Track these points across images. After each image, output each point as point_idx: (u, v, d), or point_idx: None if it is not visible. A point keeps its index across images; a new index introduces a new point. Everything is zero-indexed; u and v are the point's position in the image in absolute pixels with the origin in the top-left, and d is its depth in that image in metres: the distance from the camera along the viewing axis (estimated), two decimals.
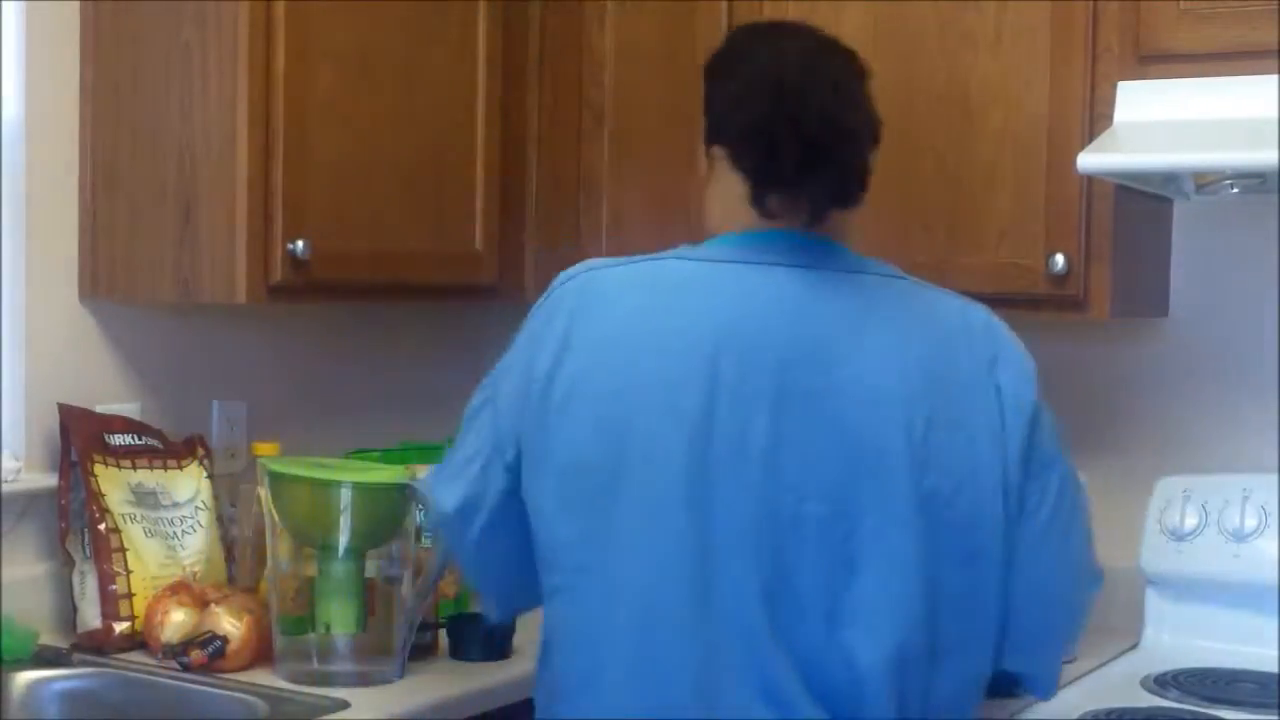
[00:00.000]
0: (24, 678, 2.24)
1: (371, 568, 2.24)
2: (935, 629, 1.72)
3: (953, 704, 1.77)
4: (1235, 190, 2.43)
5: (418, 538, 2.32)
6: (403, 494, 2.25)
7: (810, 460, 1.70)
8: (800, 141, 1.72)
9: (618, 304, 1.79)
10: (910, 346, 1.75)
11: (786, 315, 1.74)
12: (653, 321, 1.77)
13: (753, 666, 1.70)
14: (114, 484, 2.41)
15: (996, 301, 2.39)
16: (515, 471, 1.82)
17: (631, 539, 1.73)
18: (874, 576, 1.70)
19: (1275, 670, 2.34)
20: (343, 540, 2.21)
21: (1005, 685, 2.21)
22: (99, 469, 2.40)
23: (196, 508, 2.49)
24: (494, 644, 2.38)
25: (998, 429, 1.75)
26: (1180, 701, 2.21)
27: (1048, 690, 1.91)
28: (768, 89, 1.75)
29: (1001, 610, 1.77)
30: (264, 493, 2.27)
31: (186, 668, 2.22)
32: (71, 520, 2.42)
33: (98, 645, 2.34)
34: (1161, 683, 2.30)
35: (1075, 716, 2.13)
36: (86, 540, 2.39)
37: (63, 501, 2.42)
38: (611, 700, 1.75)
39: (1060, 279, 2.34)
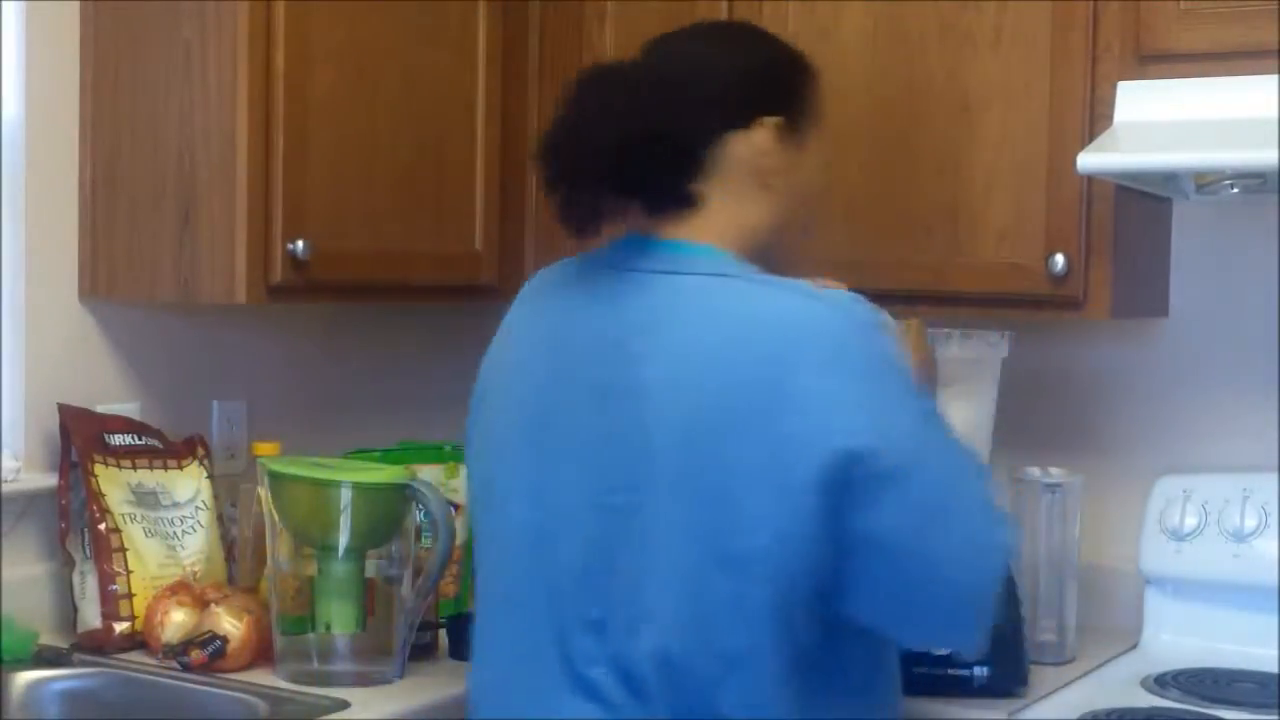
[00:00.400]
0: (24, 678, 2.24)
1: (371, 568, 2.24)
2: (708, 635, 1.69)
3: (755, 709, 1.71)
4: (1235, 190, 2.42)
5: (418, 538, 2.32)
6: (403, 494, 2.25)
7: (611, 455, 1.74)
8: (570, 152, 1.77)
9: (529, 298, 1.93)
10: (706, 345, 1.71)
11: (597, 315, 1.80)
12: (531, 317, 1.91)
13: (568, 656, 1.75)
14: (114, 484, 2.41)
15: (996, 302, 2.41)
16: None
17: (493, 516, 1.87)
18: (655, 576, 1.71)
19: (1275, 670, 2.34)
20: (343, 540, 2.21)
21: (1005, 685, 2.22)
22: (99, 469, 2.40)
23: (196, 508, 2.49)
24: None
25: (789, 436, 1.65)
26: (1180, 701, 2.21)
27: (973, 652, 1.96)
28: (562, 102, 1.81)
29: (796, 620, 1.69)
30: (264, 493, 2.27)
31: (186, 668, 2.22)
32: (71, 520, 2.42)
33: (98, 645, 2.34)
34: (1161, 683, 2.30)
35: (1075, 716, 2.13)
36: (86, 540, 2.39)
37: (63, 501, 2.42)
38: (477, 670, 1.90)
39: (1060, 279, 2.33)
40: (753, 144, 1.82)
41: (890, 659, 1.84)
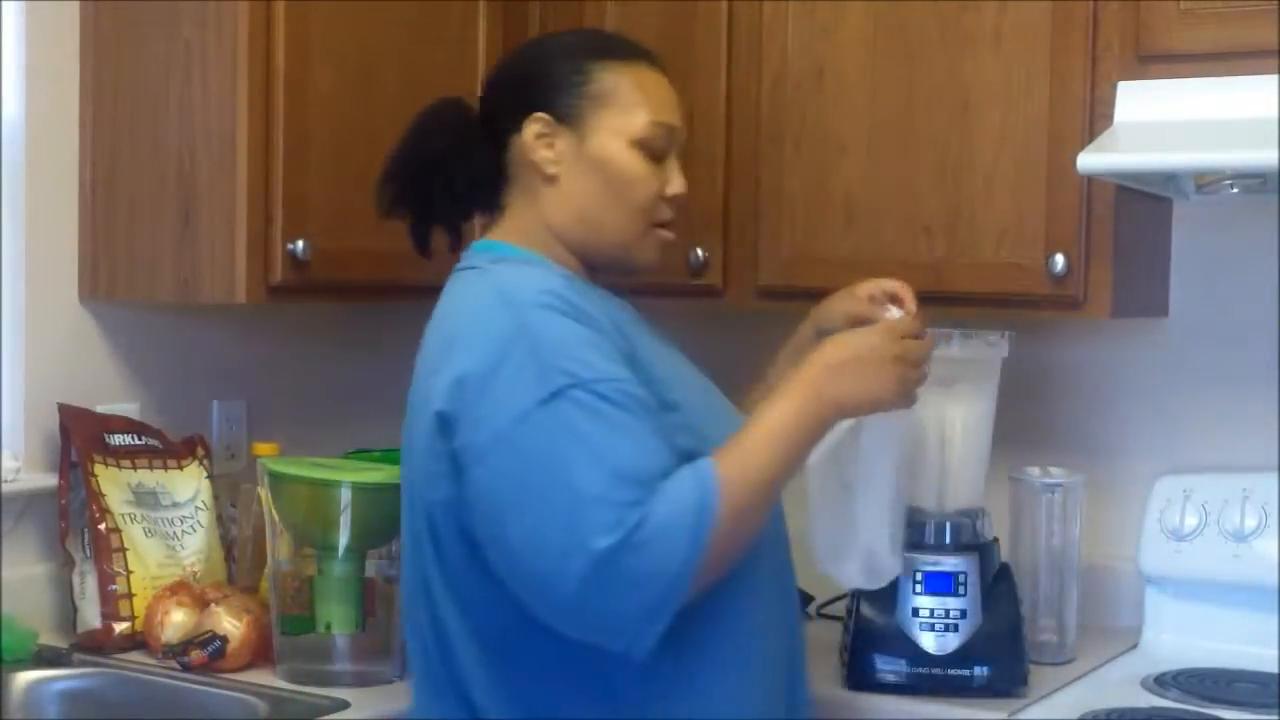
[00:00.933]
0: (24, 678, 2.24)
1: (371, 568, 2.24)
2: (415, 606, 1.86)
3: (504, 705, 1.79)
4: (1235, 190, 2.42)
5: None
6: None
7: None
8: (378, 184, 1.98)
9: None
10: (431, 332, 1.86)
11: None
12: None
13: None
14: (114, 484, 2.41)
15: (996, 302, 2.41)
16: None
17: None
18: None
19: (1275, 670, 2.34)
20: (343, 540, 2.21)
21: (1005, 685, 2.22)
22: (99, 469, 2.40)
23: (196, 508, 2.49)
24: None
25: (421, 419, 1.79)
26: (1180, 701, 2.21)
27: (629, 649, 1.67)
28: None
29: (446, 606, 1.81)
30: (264, 493, 2.27)
31: (186, 668, 2.22)
32: (71, 520, 2.42)
33: (98, 645, 2.34)
34: (1161, 683, 2.30)
35: (1075, 717, 2.13)
36: (86, 540, 2.39)
37: (63, 501, 2.42)
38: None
39: (1060, 279, 2.34)
40: (522, 143, 1.91)
41: (655, 655, 1.69)
